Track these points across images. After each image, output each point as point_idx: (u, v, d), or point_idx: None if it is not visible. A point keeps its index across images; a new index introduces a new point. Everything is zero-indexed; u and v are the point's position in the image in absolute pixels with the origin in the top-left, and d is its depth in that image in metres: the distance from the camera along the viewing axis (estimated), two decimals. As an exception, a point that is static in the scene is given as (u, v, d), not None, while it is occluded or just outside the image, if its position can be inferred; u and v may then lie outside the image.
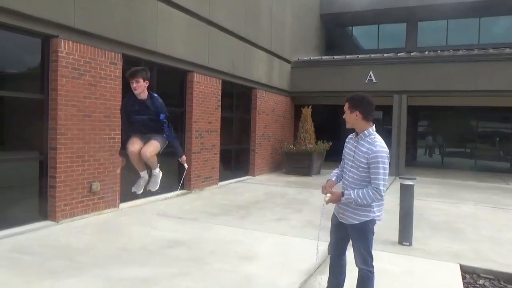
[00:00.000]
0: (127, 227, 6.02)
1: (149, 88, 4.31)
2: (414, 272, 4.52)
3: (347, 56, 14.88)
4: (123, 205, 7.24)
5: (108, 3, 6.57)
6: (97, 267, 4.29)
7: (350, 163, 3.16)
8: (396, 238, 5.57)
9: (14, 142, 5.98)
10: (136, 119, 4.33)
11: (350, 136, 3.31)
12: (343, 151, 3.33)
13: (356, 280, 3.23)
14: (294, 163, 13.13)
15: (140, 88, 4.14)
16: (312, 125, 13.62)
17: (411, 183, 5.56)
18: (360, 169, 3.06)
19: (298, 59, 15.00)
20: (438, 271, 4.55)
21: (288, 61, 14.46)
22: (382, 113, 17.06)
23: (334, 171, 3.46)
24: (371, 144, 3.04)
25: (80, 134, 6.28)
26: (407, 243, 5.43)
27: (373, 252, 3.19)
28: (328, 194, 3.12)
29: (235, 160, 11.74)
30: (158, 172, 4.66)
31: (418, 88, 13.20)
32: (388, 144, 3.31)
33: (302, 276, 4.19)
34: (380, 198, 2.99)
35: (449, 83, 12.77)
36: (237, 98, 11.82)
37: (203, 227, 6.15)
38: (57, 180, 5.96)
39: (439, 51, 13.84)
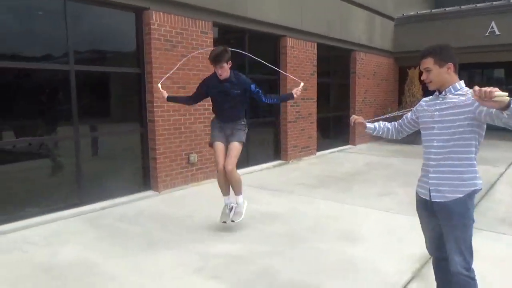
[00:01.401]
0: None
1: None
2: None
3: (462, 7, 12.84)
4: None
5: (196, -31, 6.36)
6: (193, 241, 4.23)
7: (436, 128, 2.35)
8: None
9: (117, 115, 6.24)
10: (219, 100, 4.31)
11: (425, 99, 2.51)
12: (411, 115, 2.66)
13: None
14: (399, 130, 11.97)
15: (226, 72, 4.14)
16: (420, 88, 12.19)
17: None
18: (454, 125, 2.26)
19: (403, 14, 13.42)
20: None
21: (391, 18, 13.03)
22: (503, 71, 14.65)
23: (383, 123, 2.92)
24: (467, 95, 2.25)
25: (176, 106, 6.30)
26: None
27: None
28: (476, 87, 1.91)
29: (333, 129, 11.10)
30: (242, 203, 4.52)
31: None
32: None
33: (414, 264, 3.60)
34: None
35: None
36: (335, 62, 11.03)
37: (300, 201, 5.81)
38: (157, 152, 6.11)
39: None
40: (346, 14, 10.48)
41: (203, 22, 6.68)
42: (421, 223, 2.60)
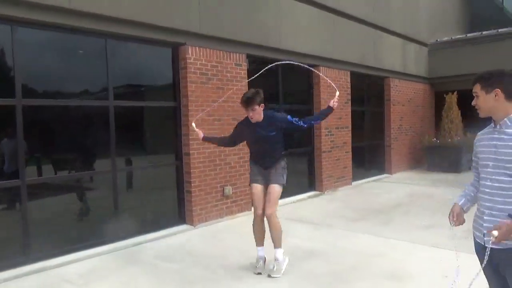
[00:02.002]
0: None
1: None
2: None
3: (500, 30, 12.47)
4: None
5: (230, 5, 6.47)
6: (231, 280, 4.07)
7: (491, 163, 2.15)
8: None
9: (153, 149, 6.29)
10: (254, 143, 4.18)
11: (481, 132, 2.31)
12: (474, 154, 2.35)
13: None
14: (437, 158, 11.52)
15: (257, 114, 3.99)
16: (459, 113, 11.76)
17: None
18: (509, 171, 2.07)
19: (437, 40, 13.18)
20: None
21: (424, 44, 12.81)
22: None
23: (465, 190, 2.44)
24: None
25: (211, 139, 6.29)
26: None
27: None
28: (494, 233, 1.99)
29: (369, 158, 10.79)
30: (283, 260, 4.18)
31: None
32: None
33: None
34: None
35: None
36: (368, 90, 10.85)
37: (340, 235, 5.56)
38: (192, 184, 6.06)
39: None
40: (379, 41, 10.38)
41: (237, 54, 6.74)
42: (482, 267, 2.34)
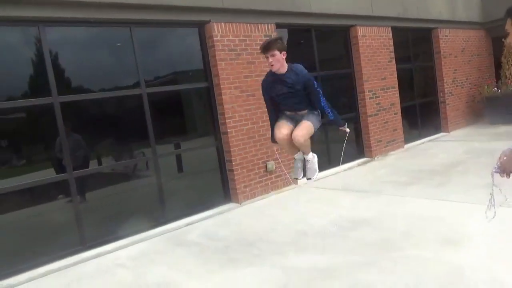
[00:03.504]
0: (306, 205, 5.64)
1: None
2: None
3: None
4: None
5: (252, -27, 6.20)
6: (275, 254, 4.00)
7: None
8: None
9: (192, 131, 6.33)
10: (281, 100, 3.63)
11: None
12: None
13: None
14: (500, 109, 10.52)
15: (278, 62, 3.42)
16: (523, 58, 10.61)
17: None
18: None
19: (490, -22, 11.87)
20: None
21: (475, -15, 11.62)
22: None
23: None
24: None
25: (247, 115, 6.18)
26: None
27: None
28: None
29: (422, 117, 10.11)
30: (312, 157, 3.87)
31: None
32: None
33: (543, 271, 2.94)
34: None
35: None
36: (414, 45, 10.08)
37: (390, 201, 5.27)
38: (233, 163, 6.02)
39: None
40: (421, -10, 9.53)
41: (266, 25, 6.49)
42: None
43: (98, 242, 4.88)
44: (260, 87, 3.87)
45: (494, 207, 2.17)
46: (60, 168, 4.83)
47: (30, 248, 4.51)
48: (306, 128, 3.58)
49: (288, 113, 3.79)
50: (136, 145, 5.62)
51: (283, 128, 3.66)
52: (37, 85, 4.74)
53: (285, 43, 3.62)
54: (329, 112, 3.72)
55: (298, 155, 3.93)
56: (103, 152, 5.38)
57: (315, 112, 3.73)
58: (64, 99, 4.75)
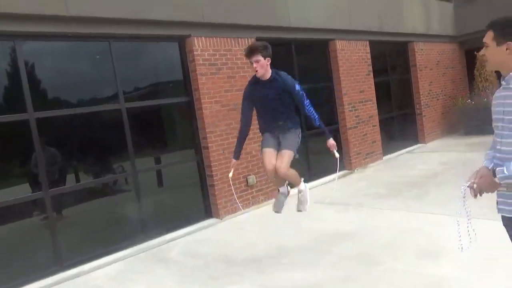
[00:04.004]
0: (287, 219, 5.63)
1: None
2: None
3: (533, -27, 11.46)
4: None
5: (232, -12, 6.25)
6: (256, 272, 3.97)
7: (500, 125, 1.93)
8: None
9: (172, 146, 6.26)
10: (263, 106, 3.76)
11: (497, 91, 2.05)
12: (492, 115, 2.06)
13: None
14: (474, 120, 10.83)
15: (262, 68, 3.54)
16: (493, 70, 10.96)
17: None
18: None
19: (462, -6, 12.33)
20: None
21: (448, 0, 12.01)
22: None
23: (488, 151, 2.17)
24: None
25: (228, 130, 6.17)
26: None
27: None
28: (473, 181, 1.99)
29: (399, 129, 10.32)
30: (304, 188, 4.06)
31: None
32: None
33: (518, 283, 3.01)
34: None
35: None
36: (391, 58, 10.32)
37: (370, 214, 5.33)
38: (214, 178, 5.99)
39: None
40: (397, 4, 9.79)
41: (246, 39, 6.52)
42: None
43: (75, 262, 4.74)
44: (240, 100, 3.97)
45: (473, 231, 2.23)
46: (36, 184, 4.69)
47: (3, 269, 4.34)
48: (286, 159, 3.71)
49: (267, 134, 3.83)
50: (116, 160, 5.52)
51: (271, 157, 3.77)
52: (12, 101, 4.63)
53: (270, 50, 3.64)
54: (315, 118, 3.78)
55: (283, 189, 3.97)
56: (81, 168, 5.26)
57: (295, 130, 3.76)
58: (40, 115, 4.64)
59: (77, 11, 4.68)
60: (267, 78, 3.66)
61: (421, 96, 10.72)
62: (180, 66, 6.04)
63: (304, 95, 3.79)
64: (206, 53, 5.99)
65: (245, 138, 4.07)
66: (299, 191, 4.07)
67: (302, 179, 4.10)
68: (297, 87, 3.72)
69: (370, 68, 8.99)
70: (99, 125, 5.40)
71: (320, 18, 7.68)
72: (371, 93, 8.98)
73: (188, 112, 6.07)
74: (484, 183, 1.97)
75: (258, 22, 6.63)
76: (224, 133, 6.12)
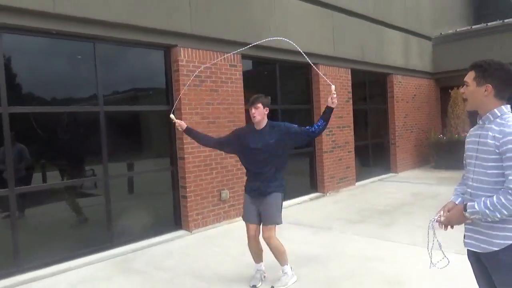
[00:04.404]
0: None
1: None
2: None
3: (505, 21, 12.14)
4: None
5: (223, 4, 6.33)
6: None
7: (473, 162, 2.07)
8: None
9: (148, 154, 6.18)
10: (250, 155, 3.78)
11: (472, 128, 2.19)
12: (465, 152, 2.20)
13: None
14: (444, 155, 11.24)
15: (260, 114, 3.72)
16: (467, 109, 11.45)
17: None
18: (488, 165, 1.95)
19: (441, 33, 12.89)
20: None
21: (428, 38, 12.54)
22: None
23: (456, 186, 2.35)
24: (503, 125, 1.93)
25: (206, 142, 6.15)
26: None
27: None
28: (441, 214, 2.18)
29: (373, 157, 10.56)
30: (291, 274, 3.93)
31: None
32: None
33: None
34: None
35: None
36: (370, 87, 10.63)
37: (339, 239, 5.38)
38: (187, 190, 5.93)
39: None
40: (380, 37, 10.15)
41: (232, 55, 6.59)
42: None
43: (35, 265, 4.55)
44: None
45: (445, 257, 2.31)
46: (1, 181, 4.51)
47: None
48: (271, 229, 3.79)
49: (247, 199, 3.90)
50: (88, 163, 5.40)
51: (254, 232, 3.85)
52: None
53: (269, 101, 3.83)
54: (324, 124, 3.74)
55: (259, 266, 4.02)
56: (51, 168, 5.10)
57: (276, 195, 3.78)
58: (15, 109, 4.50)
59: (64, 9, 4.62)
60: (262, 127, 3.78)
61: (396, 127, 11.04)
62: (163, 75, 6.02)
63: (305, 128, 3.77)
64: (191, 65, 6.00)
65: (202, 143, 4.14)
66: (283, 271, 3.93)
67: (287, 261, 3.96)
68: (295, 126, 3.77)
69: (350, 95, 9.21)
70: (75, 126, 5.29)
71: (306, 42, 7.84)
72: (349, 119, 9.17)
73: (167, 121, 6.00)
74: (452, 217, 2.09)
75: (245, 40, 6.68)
76: (202, 145, 6.08)
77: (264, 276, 4.04)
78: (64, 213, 5.12)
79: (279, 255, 3.87)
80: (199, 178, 6.06)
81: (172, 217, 6.05)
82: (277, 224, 3.83)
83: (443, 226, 2.17)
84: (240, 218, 6.52)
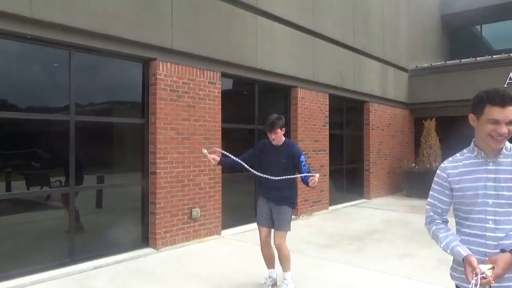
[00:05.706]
0: (226, 259, 5.48)
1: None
2: None
3: (478, 58, 12.69)
4: (225, 232, 6.79)
5: (206, 22, 6.34)
6: (186, 311, 3.75)
7: (490, 201, 1.88)
8: None
9: (118, 167, 6.00)
10: (266, 163, 4.19)
11: (455, 164, 2.07)
12: (447, 192, 2.08)
13: None
14: (416, 184, 11.43)
15: (279, 138, 4.14)
16: (437, 140, 11.79)
17: None
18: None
19: (417, 66, 13.33)
20: None
21: (404, 70, 12.93)
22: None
23: (451, 237, 1.98)
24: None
25: (180, 158, 6.04)
26: None
27: None
28: (485, 267, 1.77)
29: (347, 182, 10.63)
30: (289, 278, 4.22)
31: None
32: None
33: None
34: None
35: None
36: (347, 113, 10.79)
37: (310, 263, 5.30)
38: (157, 206, 5.76)
39: None
40: (358, 65, 10.38)
41: (212, 72, 6.57)
42: None
43: (-14, 279, 4.26)
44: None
45: None
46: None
47: None
48: (282, 236, 4.14)
49: (261, 200, 4.27)
50: (54, 173, 5.18)
51: (266, 235, 4.23)
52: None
53: (284, 121, 4.22)
54: (306, 179, 4.00)
55: (272, 273, 4.34)
56: (15, 177, 4.86)
57: (289, 205, 4.17)
58: (-21, 113, 4.30)
59: (41, 15, 4.51)
60: (279, 144, 4.22)
61: (371, 154, 11.19)
62: (140, 87, 5.92)
63: (306, 164, 4.16)
64: (169, 79, 5.93)
65: (241, 165, 4.10)
66: (284, 279, 4.21)
67: (290, 269, 4.25)
68: (302, 157, 4.16)
69: (327, 119, 9.31)
70: (43, 134, 5.10)
71: (286, 65, 7.94)
72: (325, 143, 9.24)
73: (141, 135, 5.89)
74: (505, 267, 1.78)
75: (227, 58, 6.72)
76: (175, 161, 5.97)
77: (276, 282, 4.29)
78: (25, 226, 4.86)
79: (286, 262, 4.18)
80: (170, 195, 5.91)
81: (140, 233, 5.84)
82: (288, 231, 4.19)
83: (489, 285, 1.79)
84: (210, 237, 6.39)
